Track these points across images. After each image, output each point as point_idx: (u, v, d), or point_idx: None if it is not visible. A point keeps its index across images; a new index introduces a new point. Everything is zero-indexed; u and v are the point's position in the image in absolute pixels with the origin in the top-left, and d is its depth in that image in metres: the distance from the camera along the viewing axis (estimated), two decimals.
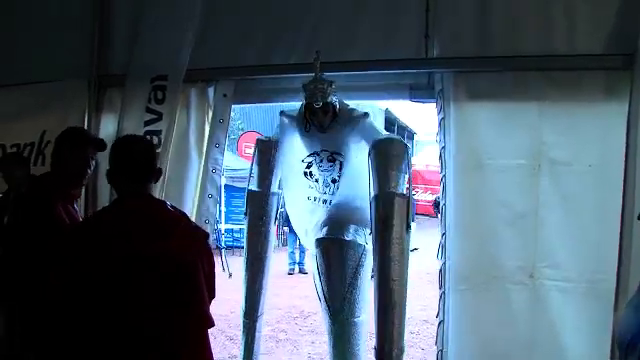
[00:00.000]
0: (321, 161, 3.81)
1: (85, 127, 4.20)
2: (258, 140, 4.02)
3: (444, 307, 3.55)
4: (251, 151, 4.14)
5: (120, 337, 2.31)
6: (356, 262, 3.52)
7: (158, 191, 3.84)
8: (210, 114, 4.09)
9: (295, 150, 3.88)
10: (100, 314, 2.30)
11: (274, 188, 3.93)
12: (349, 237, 3.56)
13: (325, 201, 3.83)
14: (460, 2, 3.64)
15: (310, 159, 3.84)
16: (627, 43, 3.30)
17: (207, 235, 2.71)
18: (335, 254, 3.55)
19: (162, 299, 2.33)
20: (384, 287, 3.15)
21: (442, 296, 3.57)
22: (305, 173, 3.89)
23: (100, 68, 4.29)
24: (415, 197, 12.57)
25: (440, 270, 3.60)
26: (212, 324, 2.49)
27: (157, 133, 3.99)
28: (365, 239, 3.58)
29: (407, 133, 26.24)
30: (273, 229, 3.95)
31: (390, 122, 22.33)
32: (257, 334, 3.79)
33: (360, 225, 3.60)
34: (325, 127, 3.65)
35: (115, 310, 2.30)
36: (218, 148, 4.10)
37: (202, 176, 4.05)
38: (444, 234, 3.60)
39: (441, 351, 3.58)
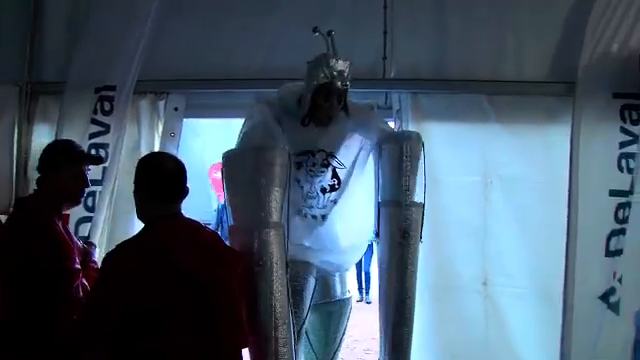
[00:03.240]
0: (313, 164, 3.38)
1: (15, 137, 4.17)
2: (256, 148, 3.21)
3: None
4: None
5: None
6: (348, 317, 3.57)
7: (105, 208, 3.97)
8: (160, 128, 4.17)
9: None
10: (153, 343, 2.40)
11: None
12: (345, 295, 3.54)
13: (315, 217, 3.41)
14: (418, 27, 4.06)
15: (300, 159, 3.36)
16: (569, 72, 3.89)
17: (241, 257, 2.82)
18: (334, 318, 3.51)
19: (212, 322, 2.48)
20: (402, 303, 3.23)
21: None
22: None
23: (32, 74, 4.23)
24: None
25: None
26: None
27: (104, 146, 4.01)
28: (349, 285, 3.62)
29: None
30: None
31: None
32: None
33: (346, 270, 3.57)
34: (328, 120, 3.33)
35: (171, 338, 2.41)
36: None
37: None
38: None
39: None
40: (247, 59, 4.18)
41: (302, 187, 3.37)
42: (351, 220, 3.44)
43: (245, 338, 2.68)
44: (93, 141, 4.03)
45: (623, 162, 3.81)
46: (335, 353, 3.52)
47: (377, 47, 4.08)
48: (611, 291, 3.74)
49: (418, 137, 3.39)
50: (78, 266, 2.89)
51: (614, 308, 3.73)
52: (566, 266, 3.76)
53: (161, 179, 2.60)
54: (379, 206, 3.43)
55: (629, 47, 3.87)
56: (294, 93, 3.39)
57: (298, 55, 4.00)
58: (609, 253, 3.76)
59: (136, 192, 2.65)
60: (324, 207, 3.40)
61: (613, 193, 3.79)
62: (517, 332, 3.88)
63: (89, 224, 3.92)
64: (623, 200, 3.78)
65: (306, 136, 3.35)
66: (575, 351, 3.71)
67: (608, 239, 3.76)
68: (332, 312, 3.49)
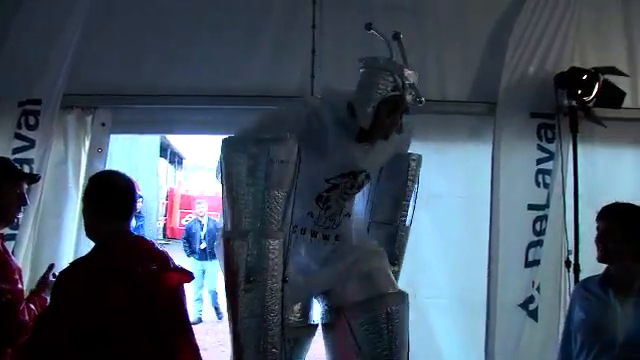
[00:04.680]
0: (351, 187, 3.08)
1: None
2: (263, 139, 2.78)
3: None
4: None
5: None
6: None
7: (31, 226, 3.96)
8: (88, 143, 4.20)
9: (322, 163, 3.00)
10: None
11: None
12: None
13: (326, 237, 3.15)
14: (345, 46, 4.20)
15: (339, 180, 3.03)
16: (489, 93, 4.21)
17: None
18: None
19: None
20: None
21: None
22: (320, 198, 3.07)
23: None
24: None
25: None
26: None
27: (29, 162, 4.01)
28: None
29: (177, 158, 28.89)
30: None
31: (163, 147, 23.74)
32: None
33: None
34: (385, 138, 3.00)
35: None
36: None
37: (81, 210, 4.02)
38: None
39: None
40: (174, 76, 4.26)
41: (327, 208, 3.10)
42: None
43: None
44: (17, 156, 4.00)
45: (540, 178, 4.18)
46: None
47: (305, 66, 4.24)
48: (530, 299, 4.09)
49: (420, 161, 3.34)
50: (20, 286, 2.84)
51: (533, 315, 4.09)
52: (488, 276, 4.06)
53: (114, 197, 2.63)
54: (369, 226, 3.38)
55: (545, 70, 4.24)
56: (344, 100, 3.00)
57: (224, 73, 4.28)
58: (528, 263, 4.11)
59: (86, 210, 2.66)
60: (334, 228, 3.16)
61: (531, 207, 4.15)
62: (443, 341, 4.14)
63: (13, 242, 3.86)
64: (540, 213, 4.15)
65: (352, 154, 3.02)
66: (498, 356, 3.99)
67: (527, 250, 4.11)
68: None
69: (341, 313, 3.07)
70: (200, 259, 9.97)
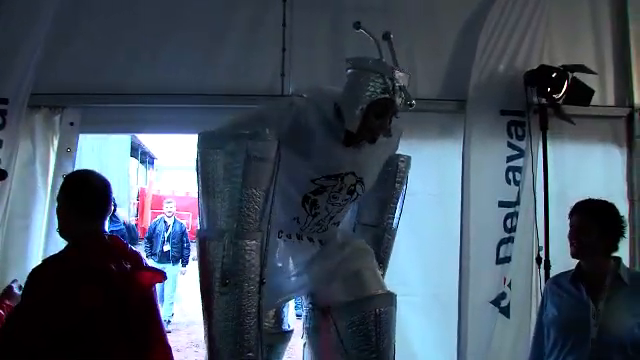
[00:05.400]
0: (340, 190, 2.95)
1: None
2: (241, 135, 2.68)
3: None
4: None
5: None
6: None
7: None
8: (56, 143, 4.18)
9: (308, 164, 2.90)
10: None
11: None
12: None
13: (311, 239, 3.08)
14: (315, 44, 4.30)
15: (327, 183, 2.92)
16: (460, 91, 4.28)
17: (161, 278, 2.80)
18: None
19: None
20: None
21: None
22: (306, 199, 2.96)
23: None
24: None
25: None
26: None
27: None
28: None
29: (149, 158, 28.91)
30: None
31: (134, 147, 23.68)
32: None
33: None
34: (372, 141, 2.89)
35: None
36: None
37: (49, 211, 4.04)
38: None
39: None
40: (144, 75, 4.27)
41: (315, 215, 3.00)
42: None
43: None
44: None
45: (510, 175, 4.25)
46: None
47: (275, 64, 4.28)
48: (502, 296, 4.15)
49: (409, 162, 3.28)
50: None
51: (505, 311, 4.15)
52: (460, 273, 4.12)
53: (88, 196, 2.64)
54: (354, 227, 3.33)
55: (515, 68, 4.32)
56: (330, 100, 2.91)
57: (195, 72, 4.29)
58: (499, 260, 4.18)
59: (61, 208, 2.66)
60: (321, 231, 3.08)
61: (502, 204, 4.22)
62: (416, 338, 4.15)
63: None
64: (511, 210, 4.22)
65: (338, 156, 2.91)
66: (470, 353, 4.06)
67: (498, 247, 4.18)
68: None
69: (327, 314, 3.00)
70: (160, 262, 9.23)
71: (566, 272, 3.17)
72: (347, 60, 2.94)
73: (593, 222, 3.00)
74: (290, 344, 3.32)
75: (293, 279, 3.04)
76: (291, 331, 3.26)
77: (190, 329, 9.21)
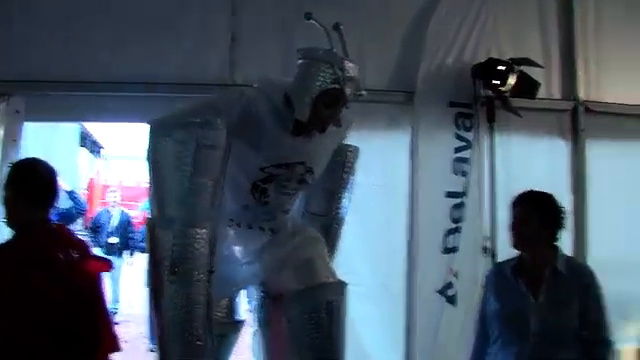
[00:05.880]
0: (289, 179, 2.98)
1: None
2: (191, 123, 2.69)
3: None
4: None
5: None
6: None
7: None
8: (1, 132, 4.09)
9: (257, 153, 2.90)
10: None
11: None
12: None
13: (262, 228, 3.07)
14: (265, 34, 4.31)
15: (276, 171, 2.93)
16: (408, 82, 4.35)
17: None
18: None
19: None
20: None
21: None
22: (255, 187, 2.96)
23: None
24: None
25: None
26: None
27: None
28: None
29: (97, 148, 27.59)
30: None
31: (83, 137, 23.18)
32: None
33: None
34: (322, 131, 2.91)
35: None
36: None
37: None
38: None
39: None
40: (90, 63, 4.20)
41: (265, 204, 3.01)
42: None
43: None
44: None
45: (457, 166, 4.34)
46: None
47: (224, 53, 4.28)
48: (449, 285, 4.23)
49: (357, 152, 3.29)
50: None
51: (452, 301, 4.23)
52: (408, 263, 4.19)
53: (35, 184, 2.64)
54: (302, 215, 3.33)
55: (463, 60, 4.40)
56: (280, 90, 2.93)
57: (142, 60, 4.23)
58: (446, 250, 4.26)
59: (8, 197, 2.65)
60: (269, 220, 3.08)
61: (449, 194, 4.30)
62: (363, 327, 4.15)
63: None
64: (458, 201, 4.30)
65: (287, 145, 2.93)
66: (419, 342, 4.13)
67: (445, 237, 4.25)
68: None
69: (278, 302, 3.04)
70: (108, 253, 8.73)
71: (508, 260, 3.20)
72: (298, 50, 2.97)
73: (533, 213, 3.04)
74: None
75: (244, 268, 3.05)
76: (243, 321, 3.25)
77: (139, 320, 9.11)
